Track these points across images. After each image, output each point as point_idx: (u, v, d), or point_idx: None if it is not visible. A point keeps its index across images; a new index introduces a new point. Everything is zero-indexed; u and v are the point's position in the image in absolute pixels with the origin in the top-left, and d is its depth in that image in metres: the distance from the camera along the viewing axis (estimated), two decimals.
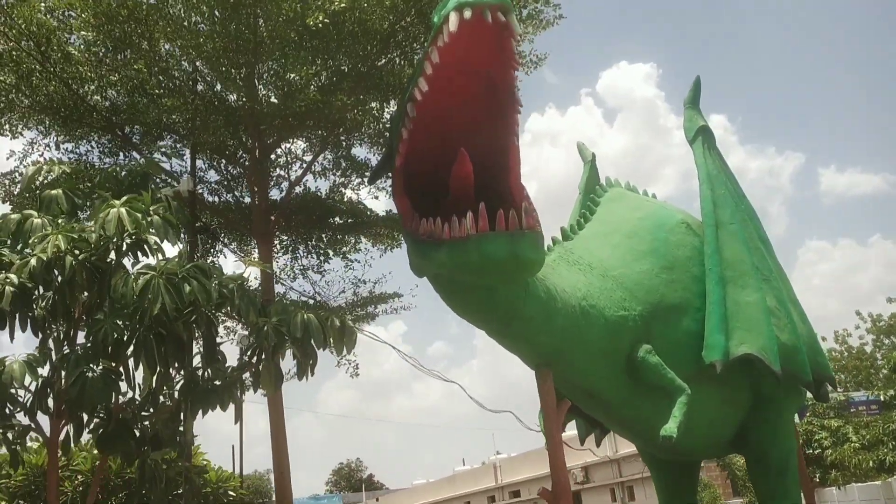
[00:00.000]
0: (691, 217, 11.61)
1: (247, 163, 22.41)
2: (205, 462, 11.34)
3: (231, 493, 11.16)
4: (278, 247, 24.74)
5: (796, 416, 21.09)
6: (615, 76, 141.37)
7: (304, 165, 23.85)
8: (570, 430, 12.42)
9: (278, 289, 24.03)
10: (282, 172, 23.75)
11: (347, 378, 26.94)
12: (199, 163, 21.43)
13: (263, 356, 5.55)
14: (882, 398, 15.95)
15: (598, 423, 11.39)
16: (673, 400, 9.47)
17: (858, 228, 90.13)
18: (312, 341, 5.33)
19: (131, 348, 8.83)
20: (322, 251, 25.06)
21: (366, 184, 24.63)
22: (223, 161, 22.87)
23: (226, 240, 24.55)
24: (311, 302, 23.66)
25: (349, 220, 24.87)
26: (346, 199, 24.74)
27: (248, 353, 5.52)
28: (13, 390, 9.24)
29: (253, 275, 21.39)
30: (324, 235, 25.04)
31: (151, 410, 9.07)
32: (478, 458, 51.28)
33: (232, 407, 7.89)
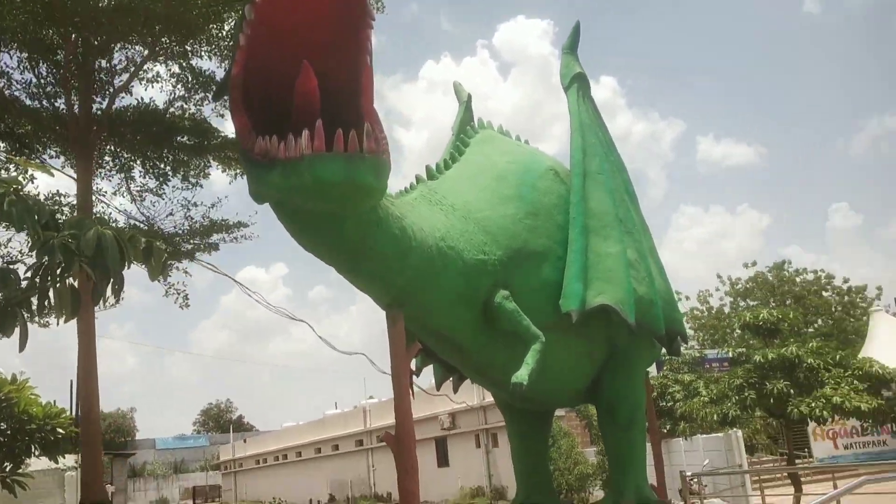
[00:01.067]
0: (560, 165, 11.44)
1: (69, 65, 19.78)
2: (33, 397, 10.42)
3: (60, 430, 10.30)
4: (111, 163, 22.50)
5: (654, 368, 21.89)
6: (512, 30, 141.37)
7: (134, 71, 21.25)
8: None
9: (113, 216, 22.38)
10: (115, 80, 21.21)
11: (226, 317, 25.71)
12: (10, 60, 19.25)
13: (57, 276, 4.88)
14: (731, 355, 16.60)
15: (455, 368, 11.20)
16: (527, 347, 9.35)
17: (729, 197, 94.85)
18: (109, 261, 4.72)
19: None
20: (161, 172, 22.81)
21: (210, 99, 22.43)
22: (41, 61, 20.13)
23: (47, 150, 21.77)
24: (145, 227, 21.94)
25: (195, 141, 22.56)
26: (190, 116, 22.36)
27: (33, 271, 4.86)
28: None
29: (70, 191, 19.54)
30: (165, 155, 22.64)
31: None
32: (352, 403, 51.26)
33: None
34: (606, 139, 11.74)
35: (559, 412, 25.78)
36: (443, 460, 34.19)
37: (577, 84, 11.57)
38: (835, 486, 9.06)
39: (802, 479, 17.35)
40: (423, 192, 9.47)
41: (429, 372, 11.50)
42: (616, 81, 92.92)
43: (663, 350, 12.67)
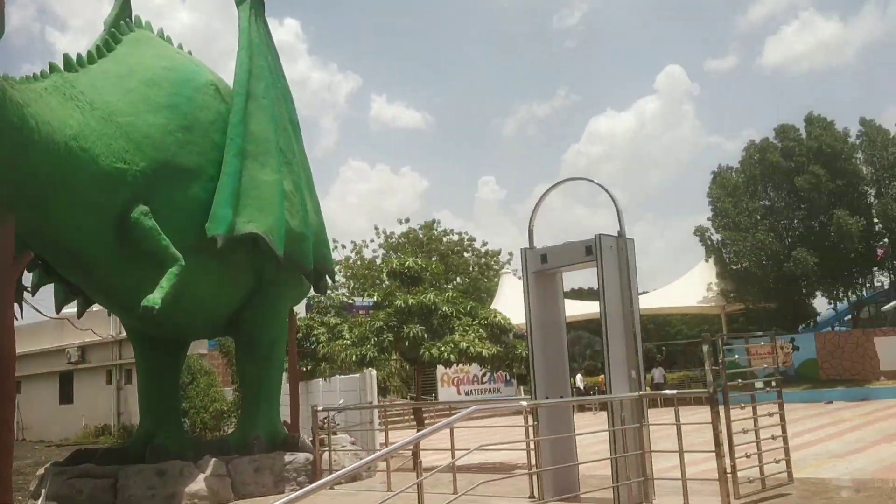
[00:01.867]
0: (223, 82, 10.74)
1: None
2: None
3: None
4: None
5: (302, 309, 21.90)
6: None
7: None
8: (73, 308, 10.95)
9: None
10: None
11: None
12: None
13: None
14: (376, 300, 17.19)
15: (80, 290, 10.08)
16: (164, 270, 8.66)
17: (395, 157, 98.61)
18: None
19: None
20: None
21: None
22: None
23: None
24: None
25: None
26: None
27: None
28: None
29: None
30: None
31: None
32: None
33: None
34: (275, 66, 11.25)
35: (202, 349, 24.97)
36: (66, 397, 31.48)
37: (252, 2, 10.91)
38: None
39: (426, 418, 18.69)
40: (56, 84, 8.28)
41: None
42: (300, 26, 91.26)
43: (311, 290, 12.69)
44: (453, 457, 9.00)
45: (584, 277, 60.27)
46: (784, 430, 8.16)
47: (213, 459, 9.85)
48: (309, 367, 19.08)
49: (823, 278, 32.89)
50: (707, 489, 7.94)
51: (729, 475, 7.42)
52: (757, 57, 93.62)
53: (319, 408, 11.52)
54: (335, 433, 12.29)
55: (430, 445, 13.88)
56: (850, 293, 35.25)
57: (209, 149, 9.73)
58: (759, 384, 8.50)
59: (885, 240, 33.66)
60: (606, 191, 8.48)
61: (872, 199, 33.72)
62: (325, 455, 10.75)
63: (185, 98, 9.60)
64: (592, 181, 8.76)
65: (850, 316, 38.05)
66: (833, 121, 34.41)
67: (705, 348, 7.82)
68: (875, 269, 35.54)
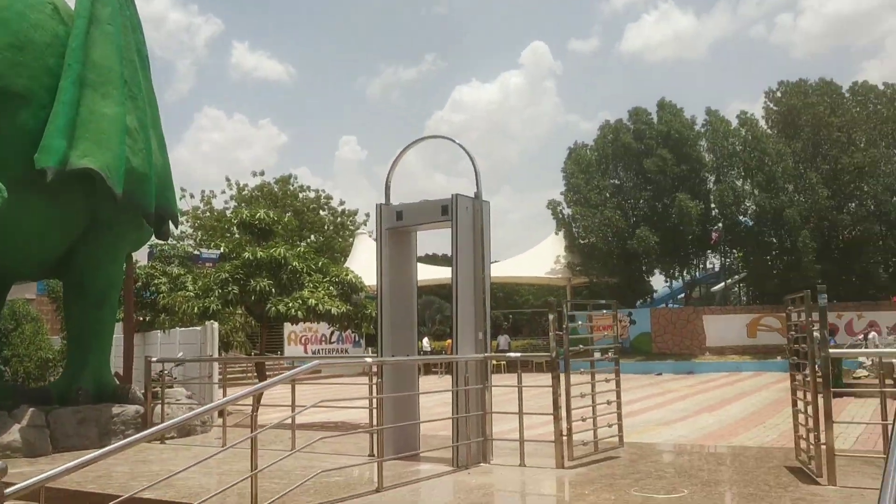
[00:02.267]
0: (64, 2, 9.83)
1: None
2: None
3: None
4: None
5: (143, 256, 20.76)
6: None
7: None
8: None
9: None
10: None
11: None
12: None
13: None
14: (223, 251, 16.49)
15: None
16: None
17: (254, 108, 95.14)
18: None
19: None
20: None
21: None
22: None
23: None
24: None
25: None
26: None
27: None
28: None
29: None
30: None
31: None
32: None
33: None
34: None
35: (29, 294, 23.27)
36: None
37: None
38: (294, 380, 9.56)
39: (271, 375, 18.24)
40: None
41: None
42: None
43: (152, 236, 11.95)
44: (293, 410, 8.77)
45: (438, 244, 60.80)
46: (619, 397, 8.46)
47: (31, 409, 9.15)
48: (147, 319, 18.15)
49: (663, 257, 34.75)
50: (543, 451, 8.13)
51: (564, 438, 7.61)
52: (617, 42, 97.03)
53: (154, 359, 10.95)
54: (171, 387, 11.74)
55: (272, 401, 13.58)
56: (685, 273, 37.45)
57: (42, 73, 8.88)
58: (597, 353, 8.75)
59: (720, 224, 35.92)
60: (466, 151, 8.41)
61: (712, 185, 35.85)
62: (158, 409, 10.25)
63: (17, 15, 8.69)
64: (453, 141, 8.66)
65: (683, 294, 40.48)
66: (682, 108, 36.22)
67: (550, 316, 7.95)
68: (709, 251, 37.91)
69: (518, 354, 8.85)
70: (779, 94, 36.61)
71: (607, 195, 35.40)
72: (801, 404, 7.17)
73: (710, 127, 35.76)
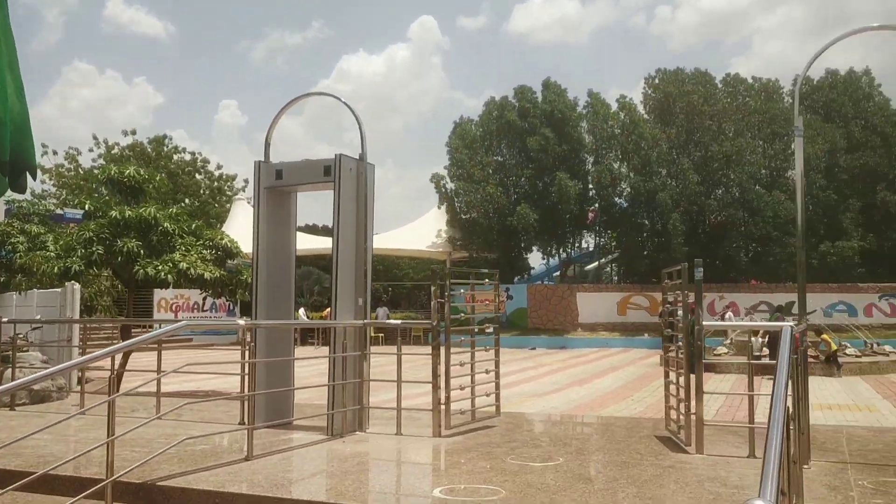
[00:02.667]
0: None
1: None
2: None
3: None
4: None
5: (0, 214, 19.31)
6: None
7: None
8: None
9: None
10: None
11: None
12: None
13: None
14: (88, 209, 15.47)
15: None
16: None
17: (128, 65, 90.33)
18: None
19: None
20: None
21: None
22: None
23: None
24: None
25: None
26: None
27: None
28: None
29: None
30: None
31: None
32: None
33: None
34: None
35: None
36: None
37: None
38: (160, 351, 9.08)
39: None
40: None
41: None
42: None
43: (7, 190, 11.03)
44: (159, 371, 8.26)
45: (318, 213, 59.88)
46: (497, 367, 8.46)
47: None
48: (2, 280, 16.92)
49: (541, 235, 35.43)
50: (421, 419, 8.04)
51: (442, 407, 7.54)
52: (504, 21, 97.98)
53: (5, 320, 10.16)
54: (24, 350, 10.94)
55: (137, 368, 12.90)
56: (561, 251, 38.35)
57: None
58: (478, 325, 8.72)
59: (597, 205, 36.94)
60: (352, 111, 8.11)
61: (590, 166, 36.76)
62: (9, 373, 9.51)
63: None
64: (339, 99, 8.35)
65: (558, 272, 41.52)
66: (566, 89, 36.85)
67: (433, 288, 7.83)
68: (585, 231, 38.96)
69: (399, 322, 8.69)
70: (657, 81, 37.86)
71: (490, 171, 35.69)
72: (672, 375, 7.35)
73: (591, 109, 36.58)
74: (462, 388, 7.82)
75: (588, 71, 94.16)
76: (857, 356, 19.99)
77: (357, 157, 7.99)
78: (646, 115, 37.22)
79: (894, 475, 5.86)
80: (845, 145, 35.06)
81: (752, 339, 20.13)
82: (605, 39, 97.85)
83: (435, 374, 7.52)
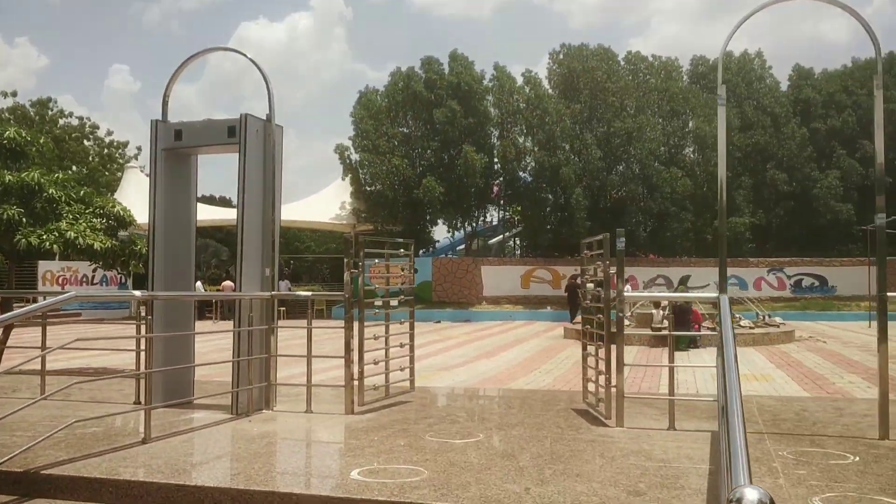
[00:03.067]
0: None
1: None
2: None
3: None
4: None
5: None
6: None
7: None
8: None
9: None
10: None
11: None
12: None
13: None
14: None
15: None
16: None
17: (8, 24, 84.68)
18: None
19: None
20: None
21: None
22: None
23: None
24: None
25: None
26: None
27: None
28: None
29: None
30: None
31: None
32: None
33: None
34: None
35: None
36: None
37: None
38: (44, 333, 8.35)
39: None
40: None
41: None
42: None
43: None
44: (43, 348, 7.56)
45: (216, 183, 57.95)
46: (412, 340, 8.16)
47: None
48: None
49: (446, 208, 35.25)
50: (332, 396, 7.68)
51: (355, 382, 7.19)
52: None
53: None
54: None
55: (20, 345, 11.97)
56: (466, 224, 38.31)
57: None
58: (392, 301, 8.39)
59: (502, 179, 37.02)
60: (258, 67, 7.57)
61: (496, 140, 36.75)
62: None
63: None
64: (244, 55, 7.79)
65: (463, 245, 41.53)
66: (473, 61, 36.62)
67: (346, 259, 7.43)
68: (489, 205, 39.03)
69: (309, 294, 8.26)
70: (561, 56, 38.10)
71: (395, 143, 35.21)
72: (591, 348, 7.22)
73: (497, 83, 36.51)
74: (376, 363, 7.49)
75: (492, 45, 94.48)
76: (750, 328, 20.71)
77: (264, 119, 7.48)
78: (550, 91, 37.43)
79: (810, 445, 5.88)
80: (739, 124, 36.26)
81: (654, 311, 20.65)
82: (508, 14, 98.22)
83: (348, 349, 7.15)
